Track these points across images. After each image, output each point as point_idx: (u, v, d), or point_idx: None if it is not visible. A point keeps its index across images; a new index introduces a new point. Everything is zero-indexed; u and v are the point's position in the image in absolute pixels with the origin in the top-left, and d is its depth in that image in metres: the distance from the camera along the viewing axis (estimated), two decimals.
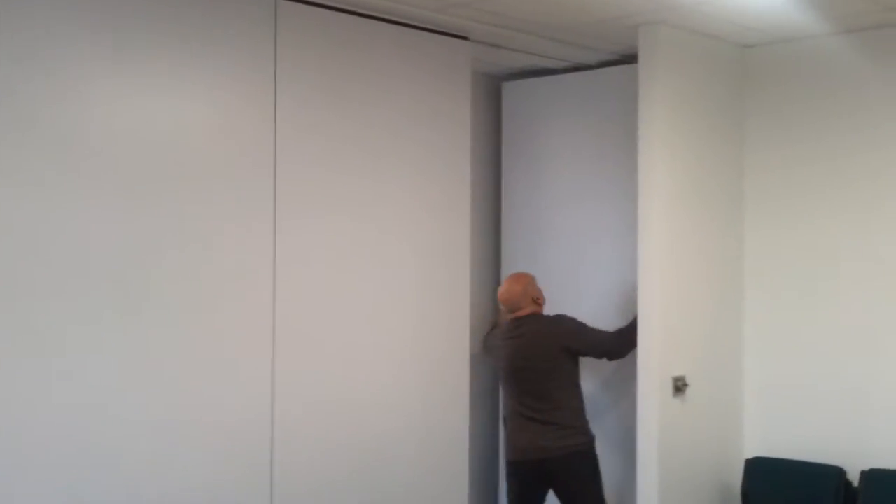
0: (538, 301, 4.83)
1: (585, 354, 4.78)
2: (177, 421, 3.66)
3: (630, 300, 4.77)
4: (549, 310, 4.88)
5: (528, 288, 4.81)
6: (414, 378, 4.45)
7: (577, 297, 5.05)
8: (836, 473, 4.48)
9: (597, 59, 5.13)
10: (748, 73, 4.96)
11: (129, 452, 3.54)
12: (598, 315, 4.90)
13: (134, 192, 3.57)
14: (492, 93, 5.42)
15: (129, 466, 3.54)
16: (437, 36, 4.54)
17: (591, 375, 4.98)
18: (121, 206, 3.54)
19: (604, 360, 4.83)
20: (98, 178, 3.49)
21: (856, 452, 4.53)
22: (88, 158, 3.47)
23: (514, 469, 4.76)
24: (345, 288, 4.19)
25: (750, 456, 4.82)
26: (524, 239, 5.33)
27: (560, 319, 4.79)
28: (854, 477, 4.48)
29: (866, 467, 4.45)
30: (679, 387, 4.59)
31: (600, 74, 5.16)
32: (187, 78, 3.74)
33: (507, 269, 5.26)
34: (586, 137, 5.17)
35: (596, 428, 4.81)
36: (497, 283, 5.21)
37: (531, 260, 5.19)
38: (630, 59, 4.97)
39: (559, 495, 4.73)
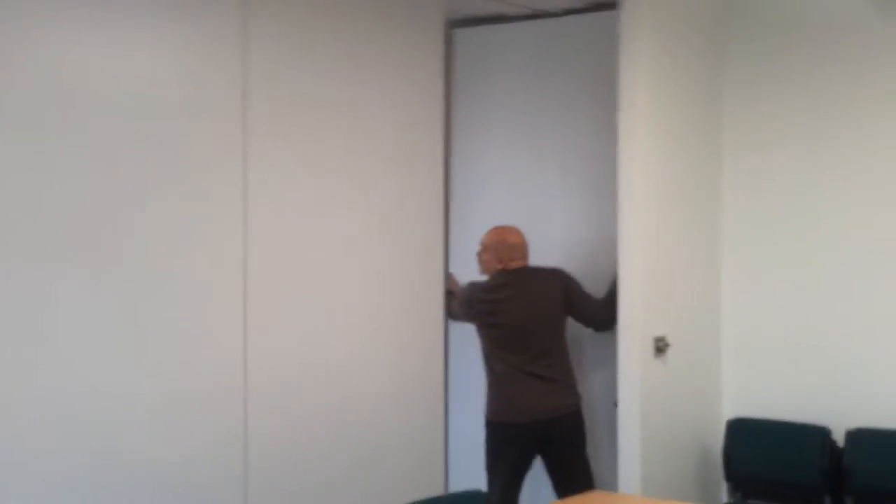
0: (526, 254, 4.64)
1: (577, 315, 4.57)
2: (147, 388, 3.49)
3: (595, 260, 4.63)
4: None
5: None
6: (388, 339, 4.32)
7: (536, 258, 4.79)
8: (821, 433, 4.40)
9: (560, 6, 4.87)
10: (729, 24, 4.81)
11: (99, 422, 3.37)
12: None
13: (100, 149, 3.37)
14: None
15: (99, 436, 3.37)
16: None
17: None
18: (87, 164, 3.34)
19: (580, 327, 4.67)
20: (66, 134, 3.29)
21: (839, 411, 4.46)
22: (57, 110, 3.27)
23: (517, 432, 4.44)
24: (317, 249, 4.03)
25: (731, 417, 4.72)
26: (475, 197, 4.99)
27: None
28: (839, 437, 4.40)
29: (851, 426, 4.36)
30: (660, 347, 4.47)
31: (565, 22, 4.89)
32: (154, 26, 3.52)
33: (457, 229, 4.94)
34: (548, 89, 4.90)
35: None
36: (445, 240, 4.82)
37: (481, 219, 4.85)
38: (597, 6, 4.78)
39: (551, 458, 4.49)
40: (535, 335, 4.50)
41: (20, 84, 3.18)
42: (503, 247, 4.58)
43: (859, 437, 4.30)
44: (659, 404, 4.48)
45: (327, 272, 4.07)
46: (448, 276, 4.76)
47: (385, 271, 4.29)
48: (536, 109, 4.92)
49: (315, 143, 4.01)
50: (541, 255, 4.68)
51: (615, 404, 4.48)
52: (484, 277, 4.65)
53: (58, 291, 3.27)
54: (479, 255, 4.67)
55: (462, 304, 4.65)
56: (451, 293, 4.72)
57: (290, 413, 3.94)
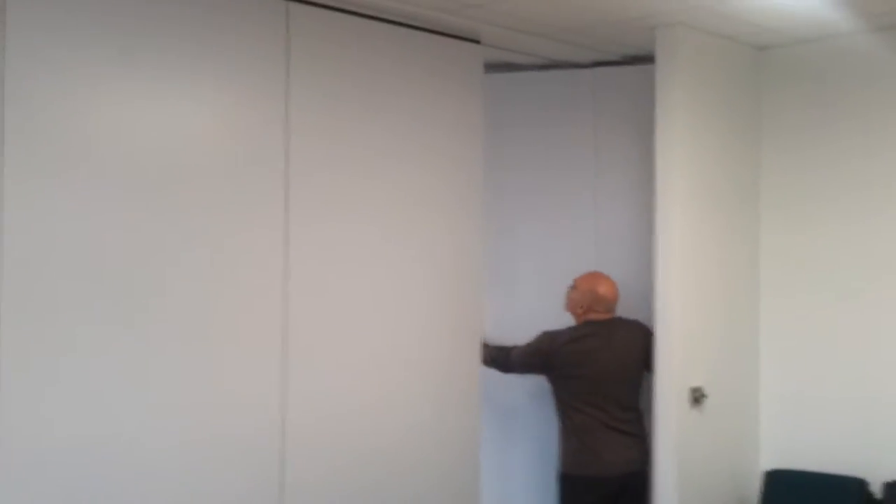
0: None
1: (649, 367, 4.57)
2: (185, 431, 3.53)
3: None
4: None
5: (616, 291, 4.65)
6: (424, 384, 4.32)
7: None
8: (858, 485, 4.39)
9: (590, 58, 4.98)
10: (763, 75, 4.86)
11: (135, 465, 3.41)
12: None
13: (143, 198, 3.45)
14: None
15: (135, 480, 3.41)
16: (448, 39, 4.41)
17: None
18: (129, 212, 3.41)
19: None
20: (107, 185, 3.36)
21: (877, 463, 4.44)
22: (97, 163, 3.34)
23: (599, 486, 4.44)
24: (355, 294, 4.07)
25: (767, 468, 4.71)
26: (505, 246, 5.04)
27: (642, 325, 4.61)
28: (876, 489, 4.38)
29: (889, 479, 4.35)
30: (697, 398, 4.48)
31: (591, 74, 5.01)
32: (197, 81, 3.61)
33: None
34: (571, 137, 5.00)
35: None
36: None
37: (509, 263, 4.99)
38: (628, 60, 4.94)
39: None
40: (621, 388, 4.54)
41: (71, 138, 3.28)
42: (591, 296, 4.61)
43: None
44: (696, 455, 4.49)
45: (367, 318, 4.10)
46: None
47: (424, 316, 4.32)
48: (559, 160, 5.00)
49: (357, 192, 4.06)
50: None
51: None
52: (563, 320, 4.69)
53: (96, 336, 3.33)
54: (569, 292, 4.71)
55: (533, 353, 4.61)
56: (485, 343, 4.71)
57: (328, 459, 3.96)
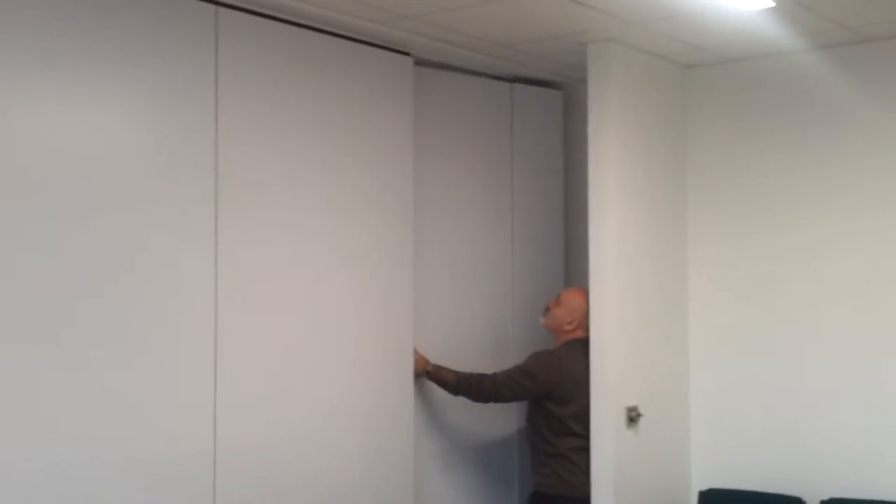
0: None
1: None
2: (108, 457, 3.32)
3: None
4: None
5: None
6: (357, 406, 4.18)
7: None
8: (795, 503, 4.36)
9: (515, 72, 4.96)
10: (689, 92, 4.88)
11: (52, 493, 3.18)
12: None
13: (62, 212, 3.23)
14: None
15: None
16: (379, 50, 4.31)
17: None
18: (47, 228, 3.20)
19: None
20: (17, 192, 3.14)
21: (813, 481, 4.42)
22: (8, 169, 3.12)
23: None
24: (286, 308, 3.92)
25: (701, 488, 4.67)
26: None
27: None
28: None
29: (825, 496, 4.33)
30: (632, 417, 4.42)
31: (509, 88, 5.01)
32: (122, 86, 3.42)
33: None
34: (489, 146, 4.94)
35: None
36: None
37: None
38: (543, 82, 5.04)
39: None
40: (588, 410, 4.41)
41: None
42: (581, 312, 4.49)
43: None
44: (632, 475, 4.41)
45: (298, 335, 3.96)
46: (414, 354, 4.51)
47: (356, 333, 4.19)
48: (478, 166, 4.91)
49: (287, 202, 3.93)
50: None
51: None
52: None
53: (18, 358, 3.11)
54: (551, 308, 4.61)
55: (531, 377, 4.46)
56: (442, 375, 4.50)
57: (260, 486, 3.80)
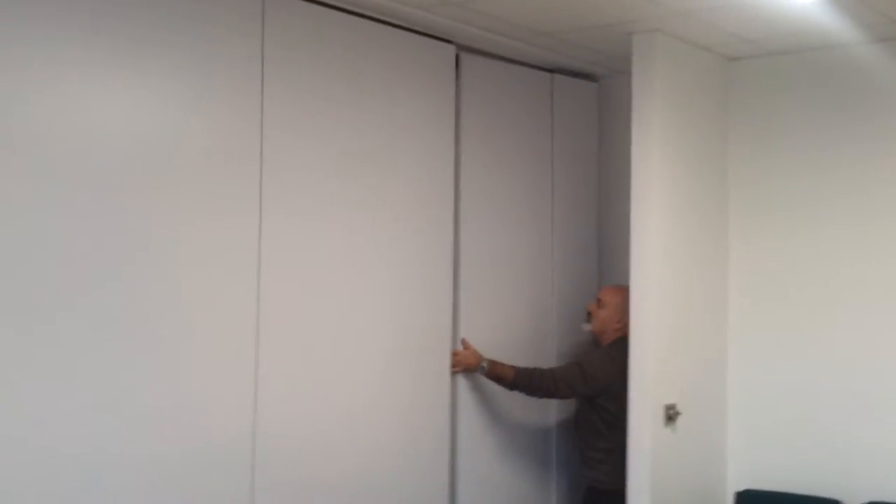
0: None
1: None
2: (152, 444, 3.27)
3: None
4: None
5: None
6: (396, 394, 4.14)
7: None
8: None
9: (558, 63, 4.87)
10: (732, 85, 4.79)
11: (98, 476, 3.14)
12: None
13: (113, 196, 3.18)
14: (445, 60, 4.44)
15: (99, 492, 3.14)
16: (422, 38, 4.24)
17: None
18: (98, 210, 3.14)
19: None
20: (75, 183, 3.10)
21: (852, 484, 4.35)
22: (62, 161, 3.07)
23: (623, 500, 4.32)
24: (329, 296, 3.86)
25: (738, 488, 4.60)
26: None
27: None
28: None
29: (863, 500, 4.26)
30: (671, 416, 4.35)
31: (550, 78, 4.92)
32: (167, 72, 3.36)
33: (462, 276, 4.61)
34: (529, 137, 4.84)
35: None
36: (455, 295, 4.47)
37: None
38: (584, 74, 4.98)
39: None
40: None
41: (37, 130, 3.01)
42: (624, 310, 4.41)
43: None
44: (668, 473, 4.35)
45: (340, 322, 3.91)
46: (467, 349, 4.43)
47: (398, 321, 4.14)
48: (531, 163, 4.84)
49: (331, 191, 3.87)
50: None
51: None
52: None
53: (55, 344, 3.06)
54: (595, 311, 4.58)
55: (590, 376, 4.42)
56: (498, 371, 4.42)
57: (299, 470, 3.75)
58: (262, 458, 3.60)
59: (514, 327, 4.71)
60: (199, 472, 3.42)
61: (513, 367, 4.44)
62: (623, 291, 4.46)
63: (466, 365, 4.38)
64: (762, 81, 4.74)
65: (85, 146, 3.13)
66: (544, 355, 4.77)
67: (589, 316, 4.65)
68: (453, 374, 4.40)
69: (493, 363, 4.40)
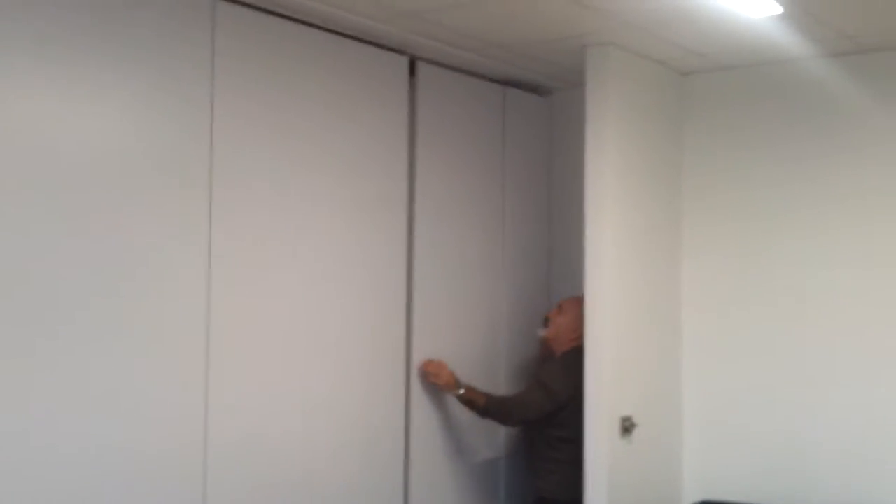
0: None
1: None
2: (100, 452, 3.22)
3: None
4: None
5: None
6: (349, 400, 4.11)
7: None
8: None
9: (514, 76, 4.89)
10: (686, 99, 4.82)
11: (43, 477, 3.08)
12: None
13: (54, 208, 3.13)
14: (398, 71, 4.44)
15: (50, 501, 3.09)
16: (376, 49, 4.23)
17: None
18: (39, 223, 3.09)
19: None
20: (14, 193, 3.04)
21: (806, 495, 4.37)
22: (5, 171, 3.02)
23: None
24: (280, 304, 3.84)
25: (694, 500, 4.60)
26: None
27: None
28: None
29: None
30: (627, 427, 4.35)
31: (502, 91, 4.94)
32: (116, 79, 3.32)
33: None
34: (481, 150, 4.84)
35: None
36: (408, 308, 4.47)
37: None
38: (534, 86, 4.99)
39: None
40: None
41: None
42: (582, 321, 4.39)
43: None
44: (625, 486, 4.34)
45: (291, 330, 3.88)
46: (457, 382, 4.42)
47: (350, 329, 4.12)
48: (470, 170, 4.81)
49: (281, 198, 3.84)
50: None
51: None
52: None
53: (9, 351, 3.01)
54: (554, 317, 4.59)
55: (550, 391, 4.42)
56: (471, 397, 4.42)
57: (251, 477, 3.72)
58: (214, 462, 3.56)
59: (465, 330, 4.68)
60: (151, 474, 3.37)
61: (484, 395, 4.45)
62: (581, 302, 4.45)
63: (445, 382, 4.38)
64: (716, 95, 4.78)
65: (29, 158, 3.07)
66: (494, 360, 4.80)
67: (546, 321, 4.65)
68: (425, 382, 4.42)
69: (468, 389, 4.42)
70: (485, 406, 4.42)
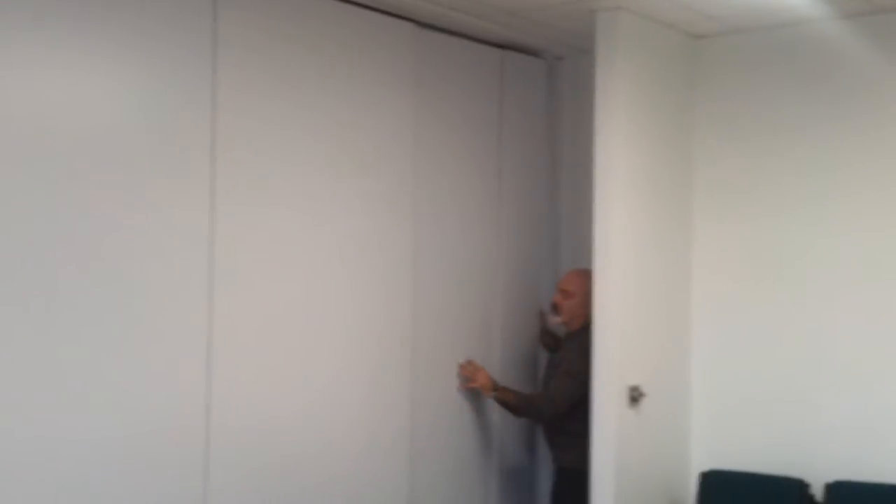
0: None
1: None
2: (102, 429, 3.22)
3: None
4: None
5: None
6: (353, 387, 4.08)
7: None
8: (798, 486, 4.26)
9: (519, 42, 4.81)
10: (698, 63, 4.74)
11: (48, 464, 3.09)
12: None
13: (52, 182, 3.11)
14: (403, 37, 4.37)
15: (52, 489, 3.10)
16: (380, 16, 4.17)
17: None
18: (38, 197, 3.08)
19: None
20: (18, 167, 3.03)
21: (816, 464, 4.33)
22: (5, 144, 3.00)
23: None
24: (284, 284, 3.81)
25: (702, 469, 4.57)
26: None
27: None
28: (816, 490, 4.27)
29: (827, 479, 4.24)
30: (635, 397, 4.31)
31: (500, 55, 4.83)
32: (116, 51, 3.30)
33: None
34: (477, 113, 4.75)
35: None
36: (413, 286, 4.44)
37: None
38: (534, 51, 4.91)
39: None
40: None
41: None
42: (591, 297, 4.35)
43: (839, 490, 4.18)
44: (632, 455, 4.32)
45: (295, 312, 3.85)
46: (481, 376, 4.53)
47: (354, 311, 4.08)
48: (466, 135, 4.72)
49: (284, 169, 3.81)
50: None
51: None
52: None
53: (6, 331, 3.00)
54: (562, 302, 4.56)
55: (576, 372, 4.39)
56: (505, 398, 4.51)
57: (253, 462, 3.71)
58: (215, 445, 3.56)
59: (460, 303, 4.63)
60: (152, 459, 3.37)
61: (515, 394, 4.52)
62: (588, 275, 4.42)
63: (481, 385, 4.49)
64: (728, 59, 4.69)
65: (30, 130, 3.06)
66: (488, 328, 4.76)
67: (555, 308, 4.61)
68: (464, 389, 4.54)
69: (502, 390, 4.50)
70: (515, 405, 4.50)
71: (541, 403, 4.51)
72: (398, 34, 4.25)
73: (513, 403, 4.49)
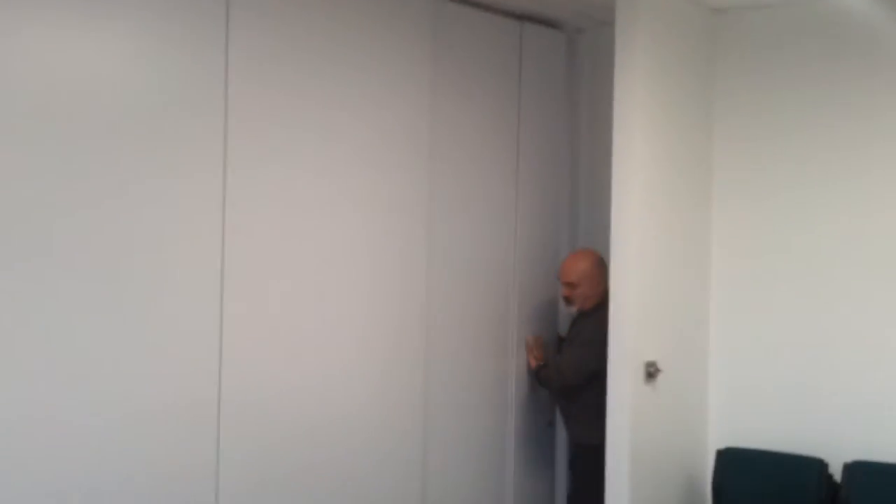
0: None
1: None
2: (113, 402, 3.22)
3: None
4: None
5: None
6: (367, 361, 4.06)
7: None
8: (817, 465, 4.22)
9: (539, 13, 4.76)
10: (718, 37, 4.68)
11: (62, 438, 3.10)
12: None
13: (64, 147, 3.10)
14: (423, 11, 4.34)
15: (66, 455, 3.10)
16: None
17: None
18: (49, 163, 3.06)
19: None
20: (32, 133, 3.02)
21: (834, 443, 4.28)
22: (19, 110, 2.99)
23: None
24: (296, 252, 3.78)
25: (718, 446, 4.53)
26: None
27: None
28: (834, 469, 4.23)
29: (846, 459, 4.19)
30: (651, 373, 4.28)
31: (519, 27, 4.76)
32: (128, 19, 3.27)
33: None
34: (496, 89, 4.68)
35: None
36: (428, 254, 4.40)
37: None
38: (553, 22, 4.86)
39: None
40: None
41: None
42: (603, 270, 4.41)
43: (858, 470, 4.13)
44: (648, 431, 4.28)
45: (308, 283, 3.82)
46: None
47: (368, 286, 4.05)
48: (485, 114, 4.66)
49: (299, 146, 3.77)
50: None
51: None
52: None
53: (16, 301, 2.99)
54: (571, 294, 4.57)
55: (600, 354, 4.32)
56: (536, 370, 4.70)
57: (265, 434, 3.69)
58: (227, 417, 3.54)
59: (477, 270, 4.59)
60: (164, 431, 3.36)
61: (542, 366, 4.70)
62: (585, 258, 4.49)
63: (538, 355, 4.69)
64: (749, 33, 4.63)
65: (42, 96, 3.04)
66: (505, 302, 4.73)
67: (568, 301, 4.62)
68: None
69: (541, 366, 4.69)
70: (536, 372, 4.69)
71: (549, 374, 4.60)
72: (415, 4, 4.21)
73: (535, 372, 4.69)
